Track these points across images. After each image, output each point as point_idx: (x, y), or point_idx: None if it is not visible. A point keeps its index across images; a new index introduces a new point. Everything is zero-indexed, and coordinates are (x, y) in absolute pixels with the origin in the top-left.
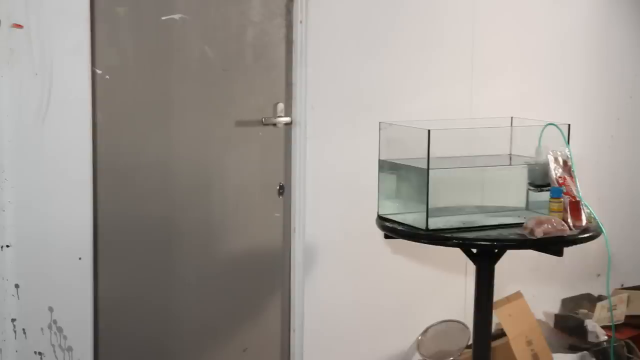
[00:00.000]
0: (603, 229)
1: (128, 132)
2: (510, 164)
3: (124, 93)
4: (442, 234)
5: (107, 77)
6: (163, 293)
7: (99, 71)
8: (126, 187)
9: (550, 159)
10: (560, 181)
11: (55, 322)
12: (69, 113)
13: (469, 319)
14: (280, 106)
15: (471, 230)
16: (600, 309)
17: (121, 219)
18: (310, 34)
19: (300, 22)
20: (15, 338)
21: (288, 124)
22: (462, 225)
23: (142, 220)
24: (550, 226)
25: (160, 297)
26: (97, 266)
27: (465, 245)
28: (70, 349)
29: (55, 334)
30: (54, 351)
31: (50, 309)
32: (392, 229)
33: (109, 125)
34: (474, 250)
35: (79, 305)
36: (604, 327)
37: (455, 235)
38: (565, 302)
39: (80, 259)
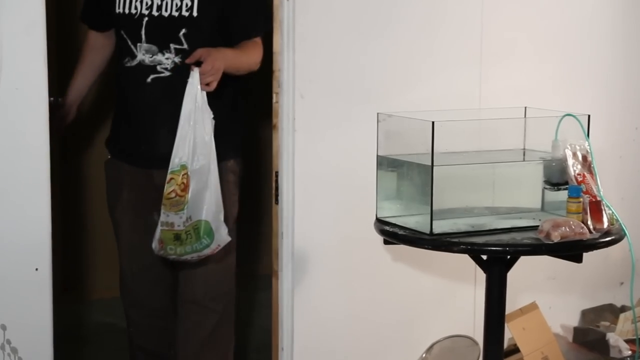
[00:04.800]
0: (627, 232)
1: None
2: (523, 160)
3: None
4: (448, 239)
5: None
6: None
7: None
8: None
9: (568, 154)
10: (580, 179)
11: (9, 342)
12: (22, 101)
13: (478, 334)
14: None
15: (480, 235)
16: (624, 321)
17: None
18: (299, 13)
19: None
20: None
21: None
22: (470, 229)
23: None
24: (568, 229)
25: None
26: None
27: (474, 251)
28: None
29: (8, 355)
30: None
31: (3, 327)
32: (392, 234)
33: None
34: (484, 257)
35: (36, 322)
36: (627, 341)
37: (462, 240)
38: (585, 313)
39: (36, 269)
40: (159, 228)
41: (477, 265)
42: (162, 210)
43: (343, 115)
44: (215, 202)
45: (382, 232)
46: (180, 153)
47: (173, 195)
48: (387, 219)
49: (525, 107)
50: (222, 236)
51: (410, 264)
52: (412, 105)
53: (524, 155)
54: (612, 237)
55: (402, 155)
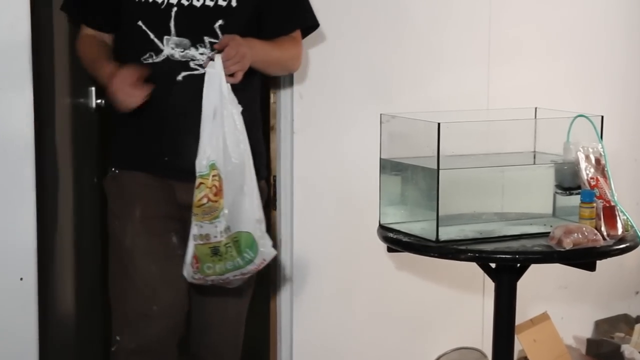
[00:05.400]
0: None
1: None
2: (534, 163)
3: None
4: (455, 246)
5: None
6: None
7: None
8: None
9: (581, 156)
10: (593, 183)
11: None
12: (6, 101)
13: (487, 346)
14: None
15: (489, 242)
16: (639, 332)
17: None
18: None
19: None
20: None
21: None
22: (478, 236)
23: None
24: (580, 236)
25: None
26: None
27: (482, 259)
28: None
29: None
30: None
31: None
32: (396, 241)
33: None
34: (493, 265)
35: (21, 333)
36: None
37: (470, 247)
38: (599, 324)
39: (21, 279)
40: (191, 244)
41: (485, 274)
42: (194, 222)
43: (344, 116)
44: (257, 209)
45: (386, 239)
46: (208, 151)
47: (205, 201)
48: (390, 226)
49: (536, 108)
50: (268, 249)
51: (415, 272)
52: (417, 106)
53: (534, 158)
54: (627, 244)
55: (406, 158)
